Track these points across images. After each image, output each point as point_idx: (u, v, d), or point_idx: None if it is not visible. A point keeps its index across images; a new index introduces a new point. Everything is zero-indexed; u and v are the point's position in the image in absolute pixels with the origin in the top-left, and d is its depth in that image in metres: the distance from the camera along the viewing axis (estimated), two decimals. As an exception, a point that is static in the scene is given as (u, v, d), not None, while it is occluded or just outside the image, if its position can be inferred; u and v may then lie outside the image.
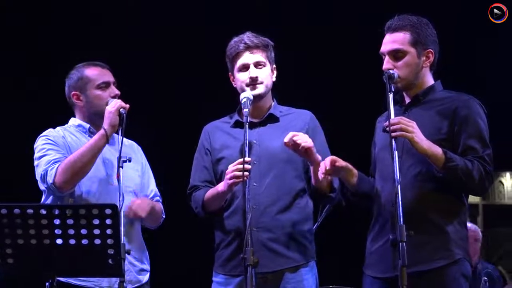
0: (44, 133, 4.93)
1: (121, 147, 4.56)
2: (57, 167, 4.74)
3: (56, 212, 4.09)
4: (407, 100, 4.59)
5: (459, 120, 4.40)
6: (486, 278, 6.77)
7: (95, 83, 4.95)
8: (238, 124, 4.87)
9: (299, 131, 4.75)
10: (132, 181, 4.88)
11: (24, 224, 4.06)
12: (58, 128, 4.97)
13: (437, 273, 4.31)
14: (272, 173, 4.73)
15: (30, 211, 4.05)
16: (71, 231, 4.05)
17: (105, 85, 4.96)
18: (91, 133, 4.91)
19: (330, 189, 4.73)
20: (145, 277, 5.01)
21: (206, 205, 4.79)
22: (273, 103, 4.91)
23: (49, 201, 4.87)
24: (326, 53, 8.56)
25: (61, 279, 4.65)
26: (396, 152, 4.16)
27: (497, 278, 7.68)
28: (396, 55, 4.48)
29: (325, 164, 4.43)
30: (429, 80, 4.59)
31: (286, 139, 4.49)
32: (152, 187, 5.16)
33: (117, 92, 4.98)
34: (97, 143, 4.72)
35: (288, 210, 4.73)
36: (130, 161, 4.59)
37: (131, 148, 5.07)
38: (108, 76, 5.02)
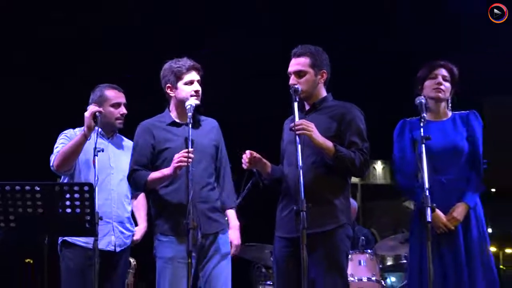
0: (64, 131, 5.39)
1: (96, 141, 4.94)
2: (55, 155, 5.19)
3: (48, 188, 4.45)
4: (307, 107, 4.92)
5: (345, 122, 4.78)
6: (363, 237, 7.10)
7: (110, 102, 5.37)
8: (175, 124, 5.10)
9: (216, 134, 5.22)
10: (127, 170, 5.18)
11: (22, 197, 4.42)
12: (77, 129, 5.39)
13: (328, 234, 4.68)
14: (203, 162, 5.05)
15: (27, 187, 4.42)
16: (59, 203, 4.42)
17: (118, 105, 5.38)
18: (101, 135, 5.33)
19: None
20: (129, 240, 5.45)
21: (149, 184, 4.98)
22: None
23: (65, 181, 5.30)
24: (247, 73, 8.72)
25: (68, 239, 5.14)
26: (299, 146, 4.48)
27: (371, 238, 8.00)
28: (299, 74, 4.84)
29: (246, 155, 4.74)
30: (323, 93, 4.94)
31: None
32: None
33: (125, 111, 5.40)
34: (79, 140, 5.13)
35: (213, 189, 5.13)
36: (103, 151, 4.96)
37: (130, 147, 5.33)
38: (121, 98, 5.42)
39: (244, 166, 4.78)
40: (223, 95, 8.71)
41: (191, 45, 8.21)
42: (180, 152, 4.81)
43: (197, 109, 5.07)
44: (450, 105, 5.16)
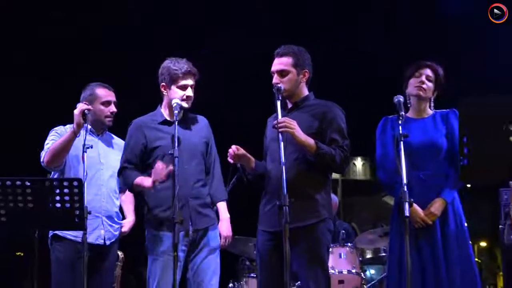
0: (55, 128, 5.48)
1: (85, 137, 5.04)
2: (46, 151, 5.27)
3: (38, 184, 4.53)
4: (290, 105, 5.02)
5: (326, 120, 4.87)
6: (344, 231, 7.23)
7: (101, 100, 5.46)
8: (166, 122, 5.19)
9: (206, 132, 5.32)
10: (116, 166, 5.34)
11: (13, 192, 4.51)
12: (68, 126, 5.45)
13: (310, 229, 4.77)
14: (194, 159, 5.16)
15: (18, 183, 4.51)
16: (49, 198, 4.50)
17: (108, 103, 5.47)
18: (91, 132, 5.41)
19: None
20: (118, 232, 5.56)
21: (135, 187, 5.12)
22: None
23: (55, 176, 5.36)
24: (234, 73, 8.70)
25: (58, 233, 5.21)
26: (282, 143, 4.54)
27: (351, 232, 8.10)
28: (282, 73, 4.93)
29: (232, 150, 4.83)
30: (305, 92, 5.03)
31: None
32: None
33: (115, 110, 5.47)
34: (68, 137, 5.23)
35: (204, 185, 5.24)
36: (92, 147, 5.05)
37: (119, 145, 5.54)
38: (111, 97, 5.51)
39: (230, 160, 4.87)
40: (223, 94, 8.71)
41: (191, 45, 8.24)
42: (158, 170, 4.92)
43: (185, 109, 5.19)
44: (432, 104, 5.24)
